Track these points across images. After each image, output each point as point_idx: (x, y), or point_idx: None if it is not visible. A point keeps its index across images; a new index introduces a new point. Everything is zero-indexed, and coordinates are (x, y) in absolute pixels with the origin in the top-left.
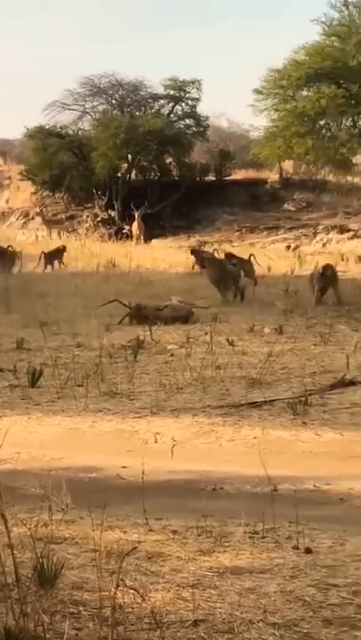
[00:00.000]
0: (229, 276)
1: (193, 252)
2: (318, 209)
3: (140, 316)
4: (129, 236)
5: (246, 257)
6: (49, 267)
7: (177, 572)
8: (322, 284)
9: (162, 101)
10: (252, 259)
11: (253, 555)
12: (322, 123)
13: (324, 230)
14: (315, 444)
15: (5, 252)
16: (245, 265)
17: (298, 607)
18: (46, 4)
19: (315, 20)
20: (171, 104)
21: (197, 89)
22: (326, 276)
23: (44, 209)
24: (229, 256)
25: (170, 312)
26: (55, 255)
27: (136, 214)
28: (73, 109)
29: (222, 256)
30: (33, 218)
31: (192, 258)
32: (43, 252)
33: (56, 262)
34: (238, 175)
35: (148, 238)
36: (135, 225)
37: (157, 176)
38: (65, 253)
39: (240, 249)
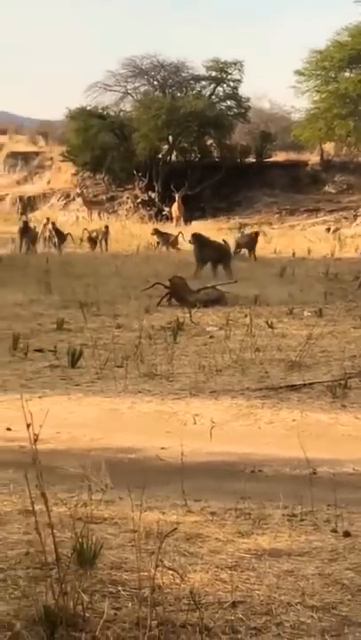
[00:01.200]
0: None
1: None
2: (359, 191)
3: (179, 292)
4: (169, 218)
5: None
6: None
7: (215, 554)
8: None
9: (203, 83)
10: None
11: (292, 537)
12: None
13: None
14: (354, 428)
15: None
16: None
17: (336, 590)
18: None
19: (358, 0)
20: (212, 85)
21: (239, 70)
22: None
23: (84, 190)
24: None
25: (203, 296)
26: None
27: (176, 196)
28: (115, 90)
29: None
30: (74, 199)
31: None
32: (85, 229)
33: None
34: (279, 157)
35: (187, 220)
36: (175, 206)
37: (198, 157)
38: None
39: (278, 231)
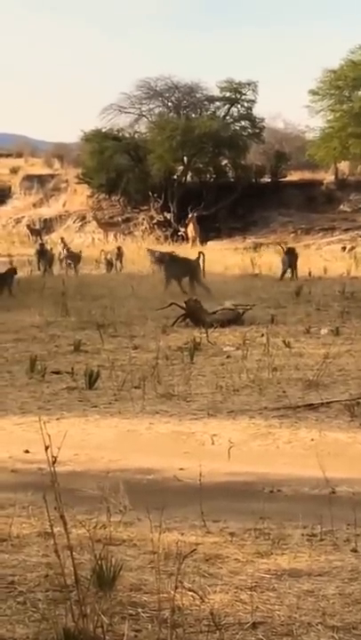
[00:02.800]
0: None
1: (149, 250)
2: None
3: (195, 314)
4: (184, 239)
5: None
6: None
7: (235, 575)
8: None
9: (218, 103)
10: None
11: (312, 557)
12: None
13: None
14: None
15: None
16: None
17: (357, 610)
18: (103, 8)
19: None
20: (226, 106)
21: (253, 90)
22: None
23: (96, 213)
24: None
25: (220, 316)
26: None
27: (191, 216)
28: (129, 112)
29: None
30: (89, 221)
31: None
32: (102, 250)
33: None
34: (294, 176)
35: (203, 240)
36: (191, 227)
37: (213, 178)
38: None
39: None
